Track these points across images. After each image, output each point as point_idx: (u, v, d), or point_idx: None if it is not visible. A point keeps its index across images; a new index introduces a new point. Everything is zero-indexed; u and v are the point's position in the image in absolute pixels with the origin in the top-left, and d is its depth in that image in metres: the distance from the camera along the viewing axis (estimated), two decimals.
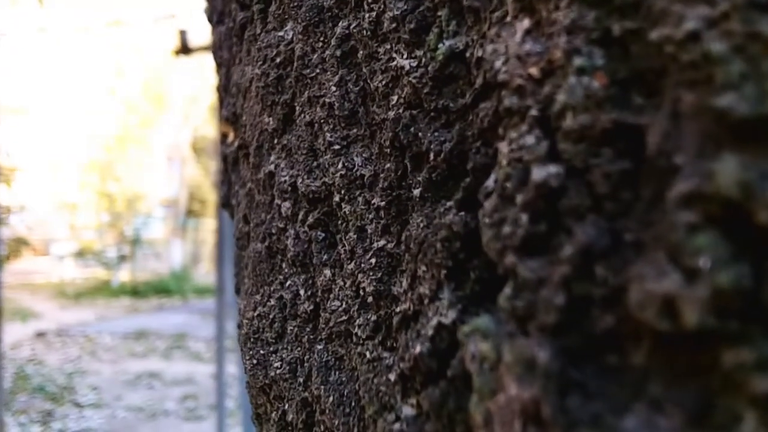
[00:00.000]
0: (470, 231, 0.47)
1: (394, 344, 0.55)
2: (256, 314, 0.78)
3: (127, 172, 19.43)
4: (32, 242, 20.42)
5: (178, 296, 16.52)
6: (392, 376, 0.54)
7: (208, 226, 19.89)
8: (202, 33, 5.93)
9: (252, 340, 0.78)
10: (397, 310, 0.54)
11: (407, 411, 0.52)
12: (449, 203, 0.49)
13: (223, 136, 1.08)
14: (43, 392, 8.25)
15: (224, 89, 1.07)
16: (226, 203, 1.11)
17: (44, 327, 12.17)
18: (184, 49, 5.44)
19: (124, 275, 17.69)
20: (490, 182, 0.45)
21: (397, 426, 0.52)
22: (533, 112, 0.42)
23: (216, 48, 1.12)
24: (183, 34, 5.51)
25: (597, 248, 0.37)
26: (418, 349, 0.49)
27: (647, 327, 0.35)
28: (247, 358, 0.78)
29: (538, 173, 0.40)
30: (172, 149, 20.74)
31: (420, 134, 0.53)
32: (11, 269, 18.99)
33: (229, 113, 1.04)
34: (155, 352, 10.85)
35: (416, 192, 0.53)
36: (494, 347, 0.41)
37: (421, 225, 0.51)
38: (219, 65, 1.10)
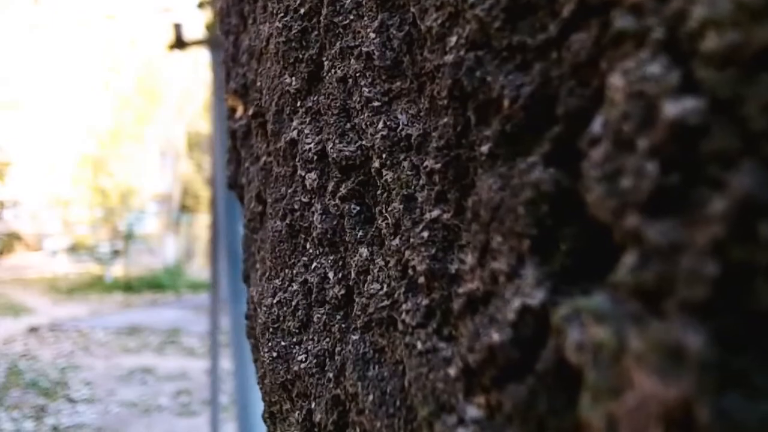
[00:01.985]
0: (562, 191, 0.38)
1: (453, 332, 0.46)
2: (275, 301, 0.69)
3: (121, 167, 19.31)
4: (25, 237, 20.28)
5: (171, 291, 16.44)
6: (452, 371, 0.45)
7: (201, 221, 19.81)
8: (196, 27, 5.84)
9: (271, 330, 0.69)
10: (460, 291, 0.45)
11: (473, 412, 0.43)
12: (532, 158, 0.40)
13: (232, 111, 0.99)
14: (36, 387, 8.16)
15: (232, 59, 0.98)
16: (233, 184, 1.02)
17: (37, 322, 12.08)
18: (179, 43, 5.34)
19: (117, 270, 17.59)
20: (596, 126, 0.35)
21: (461, 430, 0.43)
22: (657, 34, 0.33)
23: (224, 15, 1.03)
24: (178, 27, 5.41)
25: (759, 201, 0.28)
26: (495, 337, 0.40)
27: None
28: (266, 350, 0.69)
29: (670, 109, 0.31)
30: (165, 144, 20.61)
31: (488, 79, 0.43)
32: (4, 264, 18.86)
33: (238, 85, 0.95)
34: (148, 348, 10.78)
35: (484, 149, 0.44)
36: (615, 333, 0.31)
37: (494, 187, 0.42)
38: (227, 33, 1.01)
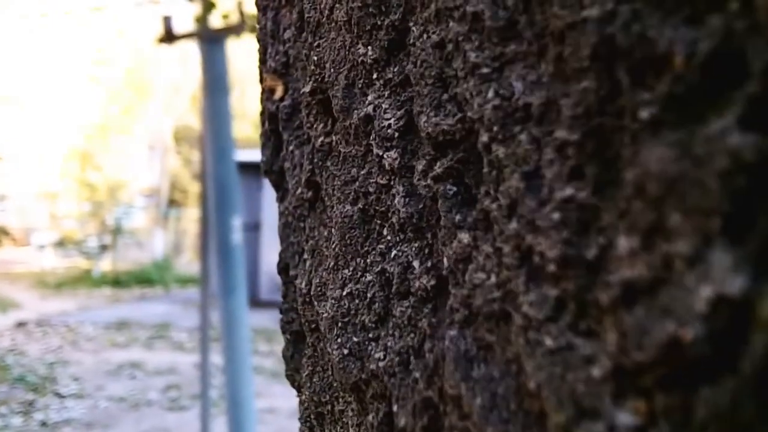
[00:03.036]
0: (764, 159, 0.32)
1: (594, 327, 0.40)
2: (345, 293, 0.62)
3: (109, 161, 19.17)
4: (12, 232, 20.09)
5: (160, 286, 16.35)
6: (597, 372, 0.39)
7: (190, 215, 19.71)
8: (186, 19, 5.76)
9: (340, 324, 0.62)
10: (610, 280, 0.39)
11: (626, 419, 0.37)
12: (723, 122, 0.34)
13: (270, 92, 0.93)
14: (24, 383, 8.06)
15: (271, 35, 0.91)
16: (269, 170, 0.95)
17: (25, 317, 11.97)
18: (168, 37, 5.26)
19: (105, 265, 17.48)
20: None
21: None
22: None
23: None
24: (167, 20, 5.33)
25: None
26: (678, 332, 0.34)
27: None
28: (335, 347, 0.63)
29: None
30: (154, 138, 20.48)
31: (650, 34, 0.37)
32: None
33: (278, 63, 0.88)
34: (137, 342, 10.70)
35: (644, 114, 0.38)
36: None
37: (668, 157, 0.36)
38: (264, 9, 0.94)
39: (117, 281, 16.32)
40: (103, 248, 17.72)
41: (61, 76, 19.19)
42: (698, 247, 0.34)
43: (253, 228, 13.14)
